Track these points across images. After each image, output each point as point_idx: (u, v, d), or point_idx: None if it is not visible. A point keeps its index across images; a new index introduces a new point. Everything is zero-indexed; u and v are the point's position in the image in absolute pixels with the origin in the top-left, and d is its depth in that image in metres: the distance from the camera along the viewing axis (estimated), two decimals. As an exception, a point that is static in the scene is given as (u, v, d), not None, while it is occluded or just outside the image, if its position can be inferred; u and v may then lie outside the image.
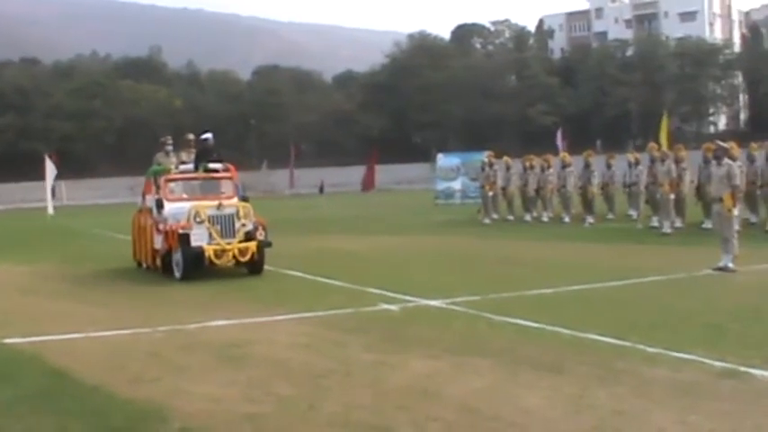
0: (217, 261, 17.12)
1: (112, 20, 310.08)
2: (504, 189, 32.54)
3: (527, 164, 32.24)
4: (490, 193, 32.05)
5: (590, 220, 28.88)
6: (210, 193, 18.85)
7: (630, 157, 30.84)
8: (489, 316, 11.81)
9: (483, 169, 33.46)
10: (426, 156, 76.88)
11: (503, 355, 9.44)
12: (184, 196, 18.74)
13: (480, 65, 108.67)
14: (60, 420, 7.57)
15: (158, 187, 19.14)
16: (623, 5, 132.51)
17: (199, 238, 17.08)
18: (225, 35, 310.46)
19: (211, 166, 19.32)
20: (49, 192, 44.63)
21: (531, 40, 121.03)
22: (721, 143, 17.77)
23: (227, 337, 11.19)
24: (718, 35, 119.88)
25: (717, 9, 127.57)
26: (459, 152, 56.14)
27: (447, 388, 8.14)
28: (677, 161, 25.00)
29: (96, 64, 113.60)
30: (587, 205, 29.65)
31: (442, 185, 49.52)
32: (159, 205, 18.36)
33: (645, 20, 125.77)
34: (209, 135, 19.85)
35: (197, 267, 17.21)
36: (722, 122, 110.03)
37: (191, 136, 20.82)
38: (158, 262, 18.41)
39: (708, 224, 24.20)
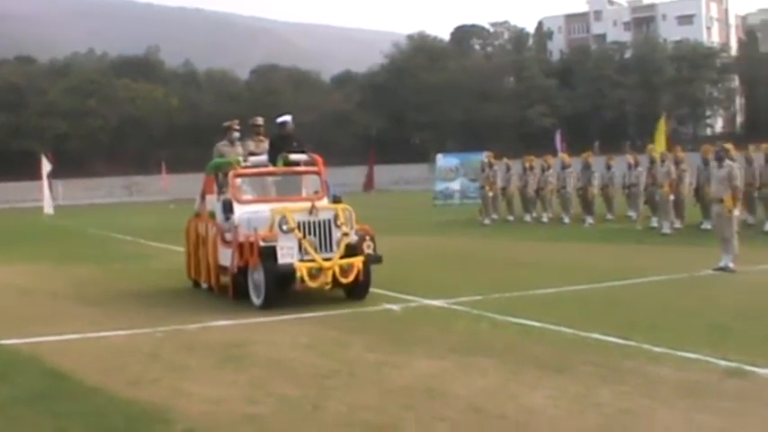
0: (312, 283, 13.11)
1: (109, 18, 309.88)
2: (503, 189, 32.51)
3: (527, 165, 32.21)
4: (490, 194, 31.98)
5: (590, 220, 28.88)
6: (291, 192, 15.27)
7: (630, 158, 30.88)
8: (492, 316, 11.76)
9: (483, 170, 33.42)
10: (424, 156, 76.84)
11: (506, 355, 9.40)
12: (258, 197, 15.07)
13: (479, 66, 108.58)
14: (60, 422, 7.47)
15: (221, 186, 15.44)
16: (622, 8, 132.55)
17: (288, 253, 13.14)
18: (223, 35, 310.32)
19: (293, 157, 15.21)
20: (47, 191, 44.34)
21: (530, 42, 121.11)
22: (724, 145, 17.75)
23: (227, 337, 11.13)
24: (715, 39, 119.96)
25: (714, 13, 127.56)
26: (458, 153, 56.04)
27: (452, 387, 8.08)
28: (676, 162, 25.04)
29: (92, 62, 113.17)
30: (587, 206, 29.64)
31: (440, 186, 49.33)
32: (227, 209, 14.40)
33: (643, 23, 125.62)
34: (287, 118, 15.88)
35: (284, 291, 13.59)
36: (719, 125, 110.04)
37: (260, 120, 16.66)
38: (225, 282, 14.71)
39: (706, 225, 24.24)
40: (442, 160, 51.25)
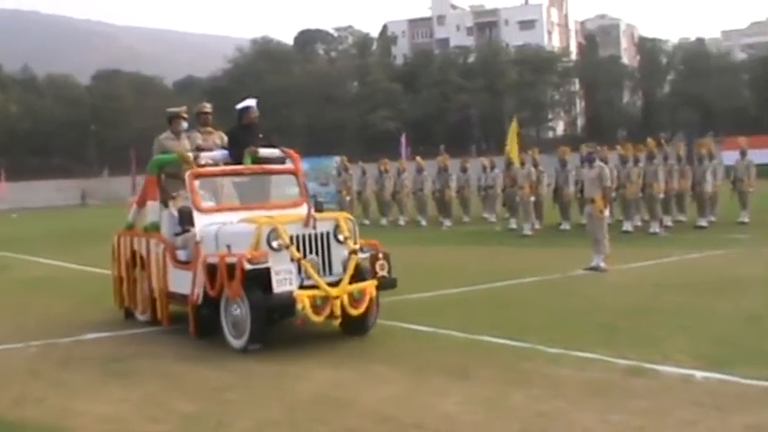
0: (315, 316, 9.88)
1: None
2: (359, 193, 32.56)
3: (382, 168, 32.30)
4: (347, 198, 31.95)
5: (447, 223, 29.13)
6: (259, 197, 11.94)
7: (485, 161, 31.36)
8: (377, 321, 11.54)
9: (339, 174, 33.41)
10: (268, 161, 76.30)
11: (404, 361, 9.21)
12: (222, 205, 11.72)
13: (323, 70, 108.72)
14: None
15: (162, 189, 12.30)
16: (464, 13, 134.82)
17: (285, 278, 9.79)
18: (61, 39, 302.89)
19: (263, 152, 11.98)
20: None
21: (375, 47, 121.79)
22: (596, 146, 18.13)
23: (105, 350, 10.60)
24: (556, 43, 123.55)
25: (555, 18, 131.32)
26: (308, 157, 55.84)
27: (358, 397, 7.84)
28: (535, 164, 25.46)
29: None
30: (444, 208, 29.89)
31: (291, 191, 49.12)
32: (185, 219, 11.30)
33: (486, 28, 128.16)
34: (251, 102, 12.43)
35: (273, 327, 10.56)
36: (560, 128, 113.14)
37: (207, 107, 13.44)
38: (178, 314, 11.65)
39: (565, 225, 24.78)
40: (293, 165, 50.90)
